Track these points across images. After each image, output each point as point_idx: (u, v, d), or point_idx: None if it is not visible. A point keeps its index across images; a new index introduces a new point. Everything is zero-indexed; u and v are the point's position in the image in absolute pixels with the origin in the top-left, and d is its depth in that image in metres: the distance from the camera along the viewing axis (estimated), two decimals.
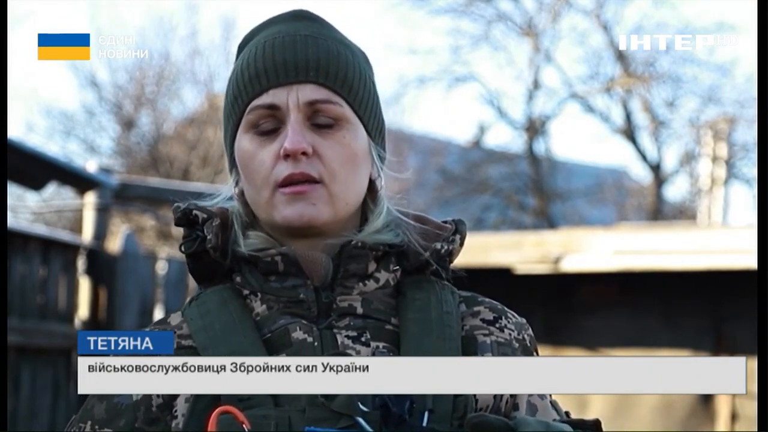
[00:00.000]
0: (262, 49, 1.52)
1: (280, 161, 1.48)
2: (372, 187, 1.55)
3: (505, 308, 1.57)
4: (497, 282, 6.84)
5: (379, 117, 1.56)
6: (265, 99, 1.50)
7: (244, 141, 1.51)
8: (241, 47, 1.57)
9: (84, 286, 7.13)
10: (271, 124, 1.50)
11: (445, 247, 1.55)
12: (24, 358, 6.53)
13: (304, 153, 1.47)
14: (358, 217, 1.55)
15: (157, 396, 1.48)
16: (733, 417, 6.85)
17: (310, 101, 1.49)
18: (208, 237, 1.52)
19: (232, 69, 1.57)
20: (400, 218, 1.56)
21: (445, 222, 1.58)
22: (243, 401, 1.41)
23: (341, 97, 1.50)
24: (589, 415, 1.54)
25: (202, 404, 1.44)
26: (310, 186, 1.48)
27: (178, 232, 1.82)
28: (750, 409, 6.69)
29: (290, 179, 1.48)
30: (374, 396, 1.40)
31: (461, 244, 1.57)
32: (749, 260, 5.92)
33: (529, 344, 1.55)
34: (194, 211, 1.54)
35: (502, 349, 1.52)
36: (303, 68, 1.49)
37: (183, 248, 1.55)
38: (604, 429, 1.41)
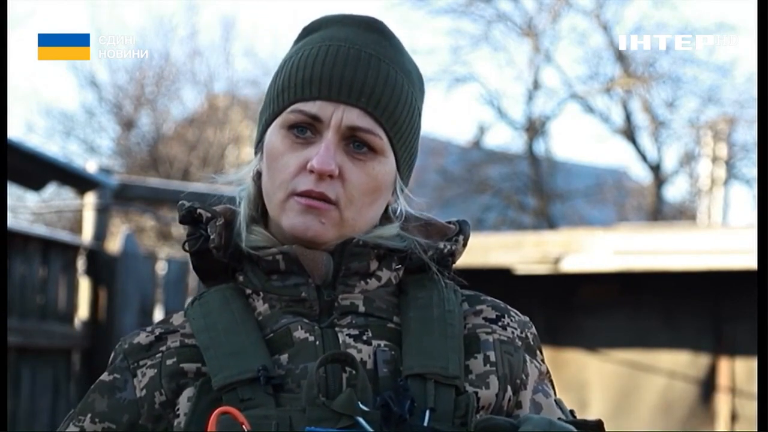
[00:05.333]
0: (325, 53, 1.50)
1: (304, 172, 1.48)
2: (386, 211, 1.55)
3: (508, 307, 1.57)
4: (497, 282, 6.83)
5: (413, 151, 1.55)
6: (311, 108, 1.49)
7: (277, 136, 1.51)
8: (307, 31, 1.56)
9: (84, 286, 7.11)
10: (308, 132, 1.49)
11: (448, 247, 1.55)
12: (24, 358, 6.52)
13: (329, 175, 1.47)
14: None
15: (160, 393, 1.48)
16: (733, 417, 6.84)
17: (352, 126, 1.48)
18: (212, 236, 1.52)
19: (291, 50, 1.55)
20: (405, 234, 1.55)
21: (449, 223, 1.59)
22: (245, 401, 1.41)
23: (384, 129, 1.50)
24: (590, 416, 1.54)
25: (204, 403, 1.44)
26: (325, 205, 1.48)
27: (178, 232, 1.82)
28: (750, 409, 6.69)
29: (308, 194, 1.47)
30: (375, 395, 1.40)
31: (464, 245, 1.57)
32: (749, 260, 5.92)
33: (532, 342, 1.55)
34: (198, 210, 1.54)
35: (505, 347, 1.51)
36: (357, 91, 1.48)
37: (186, 246, 1.55)
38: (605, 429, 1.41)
